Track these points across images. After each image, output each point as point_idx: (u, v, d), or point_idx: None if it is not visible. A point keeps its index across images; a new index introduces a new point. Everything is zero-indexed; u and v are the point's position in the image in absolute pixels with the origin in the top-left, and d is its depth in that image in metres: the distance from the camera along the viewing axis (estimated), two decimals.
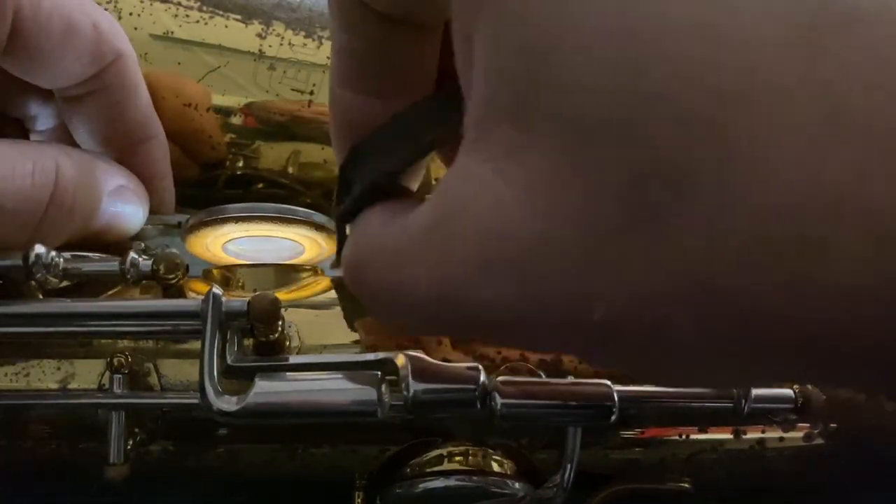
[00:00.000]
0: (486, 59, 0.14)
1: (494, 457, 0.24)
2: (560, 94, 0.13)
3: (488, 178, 0.14)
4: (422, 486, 0.24)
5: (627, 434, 0.25)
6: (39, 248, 0.22)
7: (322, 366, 0.22)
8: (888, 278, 0.11)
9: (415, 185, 0.20)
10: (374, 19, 0.17)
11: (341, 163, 0.20)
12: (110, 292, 0.25)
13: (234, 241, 0.25)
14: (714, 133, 0.12)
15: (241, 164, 0.31)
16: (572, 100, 0.13)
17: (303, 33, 0.31)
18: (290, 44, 0.31)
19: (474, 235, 0.14)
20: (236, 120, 0.31)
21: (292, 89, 0.31)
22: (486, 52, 0.14)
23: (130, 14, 0.30)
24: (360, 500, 0.24)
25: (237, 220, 0.25)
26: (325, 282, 0.27)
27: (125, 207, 0.26)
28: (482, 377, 0.22)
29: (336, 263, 0.24)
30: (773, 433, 0.24)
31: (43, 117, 0.28)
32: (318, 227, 0.25)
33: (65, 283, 0.24)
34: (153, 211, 0.27)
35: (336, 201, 0.20)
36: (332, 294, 0.26)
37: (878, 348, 0.12)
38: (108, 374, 0.23)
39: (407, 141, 0.18)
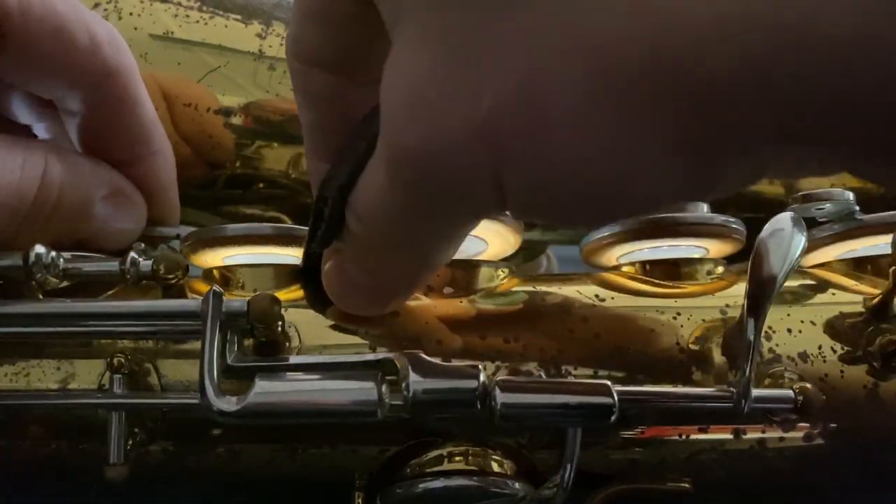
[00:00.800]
0: None
1: (494, 457, 0.24)
2: None
3: (404, 52, 0.16)
4: (422, 486, 0.23)
5: (627, 434, 0.25)
6: (39, 248, 0.23)
7: (322, 366, 0.22)
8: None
9: None
10: (329, 81, 0.20)
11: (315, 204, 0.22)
12: (110, 292, 0.25)
13: (232, 257, 0.25)
14: None
15: (241, 164, 0.31)
16: None
17: None
18: None
19: (402, 92, 0.17)
20: (236, 120, 0.31)
21: (292, 89, 0.31)
22: None
23: (131, 14, 0.30)
24: (360, 501, 0.24)
25: (235, 240, 0.25)
26: None
27: (118, 213, 0.25)
28: (482, 377, 0.22)
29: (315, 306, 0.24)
30: (773, 433, 0.24)
31: (45, 125, 0.28)
32: None
33: (65, 284, 0.24)
34: (156, 222, 0.27)
35: (309, 237, 0.22)
36: None
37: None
38: (107, 374, 0.23)
39: (350, 155, 0.20)
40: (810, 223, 0.24)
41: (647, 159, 0.15)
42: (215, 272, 0.26)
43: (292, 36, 0.20)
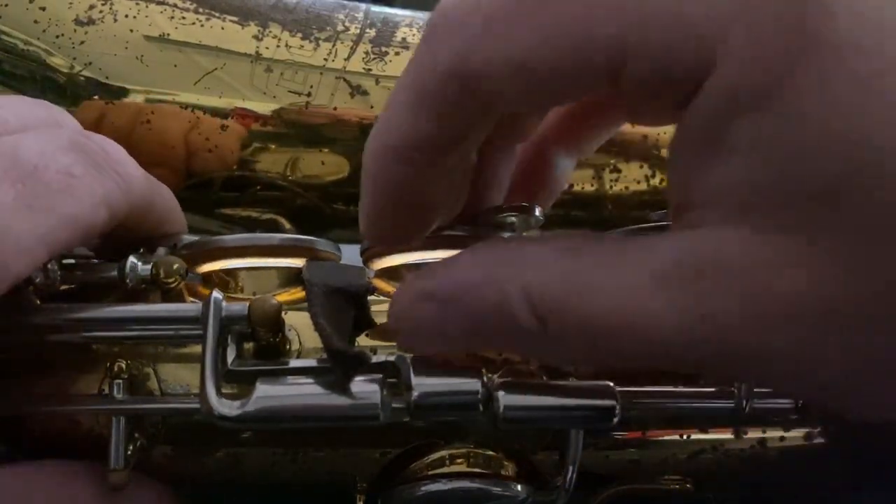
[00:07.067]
0: (766, 151, 0.16)
1: (496, 459, 0.24)
2: (880, 186, 0.15)
3: (759, 245, 0.16)
4: (423, 488, 0.23)
5: (628, 435, 0.25)
6: None
7: (324, 369, 0.22)
8: None
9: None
10: (482, 108, 0.18)
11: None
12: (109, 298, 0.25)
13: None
14: None
15: (238, 166, 0.31)
16: (874, 194, 0.15)
17: (300, 35, 0.31)
18: (286, 45, 0.31)
19: (742, 289, 0.16)
20: (233, 122, 0.31)
21: (289, 91, 0.31)
22: (766, 144, 0.16)
23: (126, 16, 0.30)
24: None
25: (235, 251, 0.24)
26: None
27: None
28: (484, 380, 0.22)
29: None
30: (773, 433, 0.24)
31: None
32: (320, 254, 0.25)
33: (63, 289, 0.23)
34: None
35: None
36: None
37: None
38: (107, 379, 0.23)
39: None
40: None
41: None
42: (214, 275, 0.26)
43: (406, 132, 0.19)
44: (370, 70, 0.31)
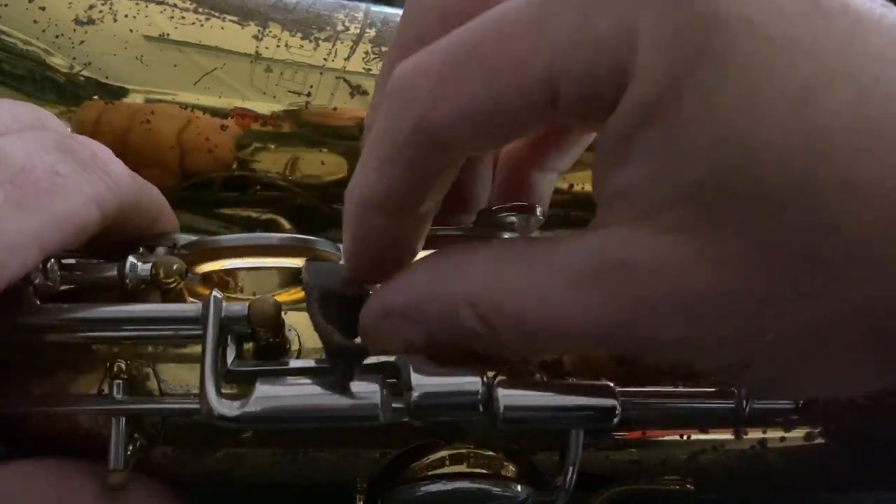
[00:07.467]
0: (658, 157, 0.17)
1: (496, 459, 0.24)
2: (746, 186, 0.16)
3: (654, 245, 0.17)
4: (423, 489, 0.24)
5: (627, 435, 0.25)
6: None
7: (323, 370, 0.22)
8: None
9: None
10: (448, 157, 0.20)
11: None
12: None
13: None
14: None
15: (238, 166, 0.31)
16: (758, 192, 0.16)
17: (299, 35, 0.31)
18: (286, 45, 0.31)
19: (643, 285, 0.17)
20: (233, 122, 0.31)
21: (289, 91, 0.31)
22: (659, 151, 0.17)
23: (126, 16, 0.30)
24: None
25: (235, 251, 0.24)
26: None
27: None
28: (484, 380, 0.22)
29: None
30: (774, 433, 0.24)
31: None
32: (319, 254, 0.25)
33: (63, 289, 0.23)
34: None
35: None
36: None
37: None
38: (107, 379, 0.23)
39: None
40: None
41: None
42: (214, 275, 0.26)
43: (379, 188, 0.20)
44: (370, 70, 0.31)
